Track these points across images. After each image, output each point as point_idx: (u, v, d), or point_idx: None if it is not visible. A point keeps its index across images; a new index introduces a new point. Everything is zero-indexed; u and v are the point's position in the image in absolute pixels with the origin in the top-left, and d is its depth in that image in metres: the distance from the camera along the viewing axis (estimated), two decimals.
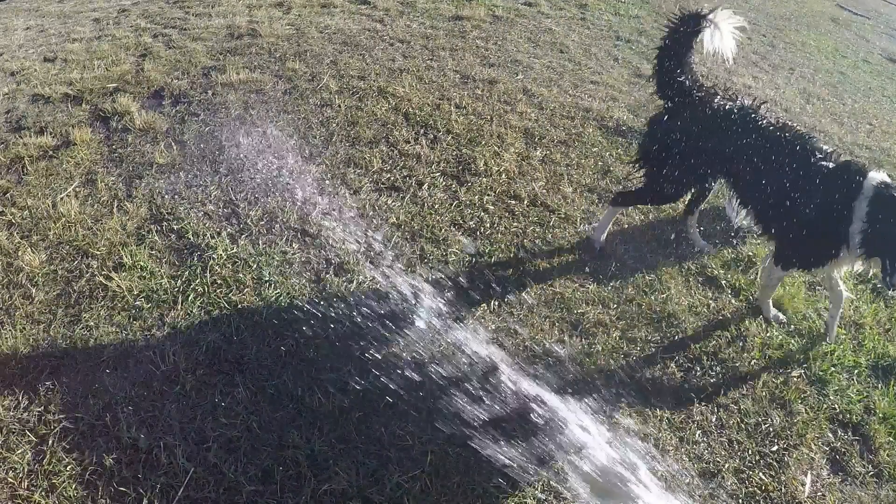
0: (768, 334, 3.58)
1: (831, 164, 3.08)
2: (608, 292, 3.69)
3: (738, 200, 3.53)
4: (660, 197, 3.86)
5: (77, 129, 4.54)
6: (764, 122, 3.32)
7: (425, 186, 4.33)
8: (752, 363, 3.39)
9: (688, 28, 3.44)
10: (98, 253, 3.49)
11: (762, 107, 3.43)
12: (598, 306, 3.58)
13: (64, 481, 2.43)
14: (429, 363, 3.04)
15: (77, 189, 4.00)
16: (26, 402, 2.71)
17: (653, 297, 3.70)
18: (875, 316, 3.86)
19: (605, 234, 4.03)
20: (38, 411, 2.68)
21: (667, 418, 3.02)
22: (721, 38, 3.42)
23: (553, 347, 3.26)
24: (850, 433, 3.12)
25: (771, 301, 3.68)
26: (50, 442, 2.56)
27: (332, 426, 2.72)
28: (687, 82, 3.54)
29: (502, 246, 3.90)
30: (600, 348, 3.32)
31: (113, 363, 2.90)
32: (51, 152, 4.34)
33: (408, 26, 7.15)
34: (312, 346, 3.07)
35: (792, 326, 3.66)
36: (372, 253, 3.69)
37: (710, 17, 3.39)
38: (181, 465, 2.52)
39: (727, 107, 3.40)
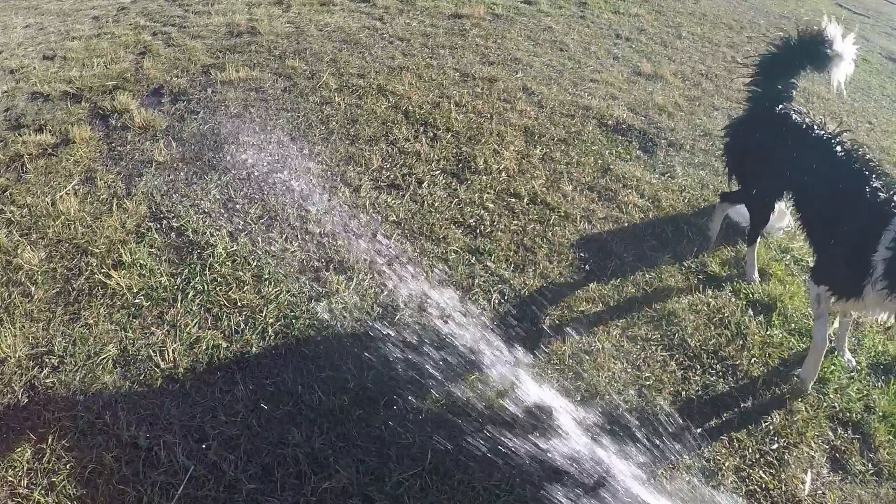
0: (768, 333, 3.58)
1: (882, 195, 2.96)
2: (608, 290, 3.69)
3: (798, 214, 3.50)
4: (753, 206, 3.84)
5: (76, 127, 4.53)
6: (837, 146, 3.25)
7: (425, 184, 4.33)
8: (753, 361, 3.39)
9: (813, 49, 3.45)
10: (97, 251, 3.48)
11: (843, 133, 3.35)
12: (598, 304, 3.58)
13: (63, 479, 2.43)
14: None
15: (76, 187, 3.99)
16: (26, 400, 2.70)
17: (652, 296, 3.70)
18: None
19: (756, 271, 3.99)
20: (38, 409, 2.67)
21: (667, 415, 3.02)
22: (839, 70, 3.44)
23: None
24: (850, 431, 3.12)
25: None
26: (49, 440, 2.55)
27: (333, 424, 2.71)
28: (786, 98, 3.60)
29: (503, 244, 3.90)
30: (600, 346, 3.32)
31: (112, 361, 2.90)
32: (50, 150, 4.33)
33: (407, 24, 7.15)
34: (312, 343, 3.07)
35: (792, 325, 3.66)
36: (372, 250, 3.69)
37: (837, 47, 3.37)
38: (181, 463, 2.51)
39: (808, 126, 3.41)
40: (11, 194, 3.89)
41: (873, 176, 3.04)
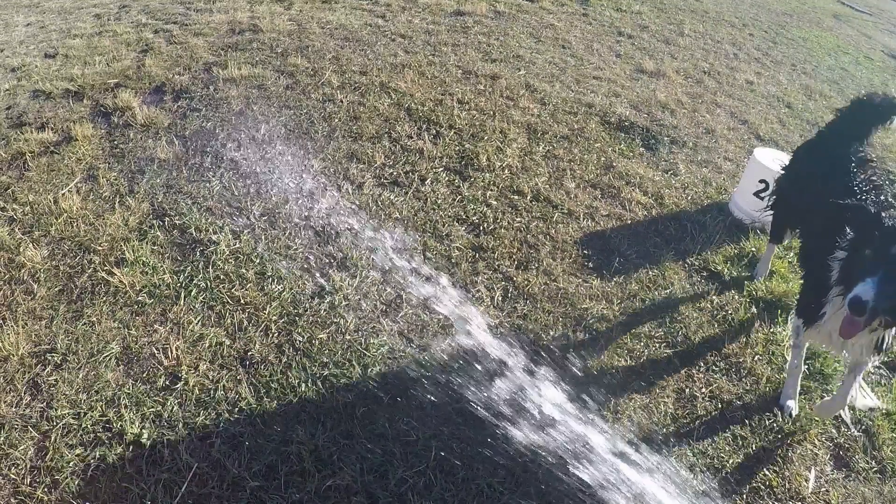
0: (772, 329, 3.57)
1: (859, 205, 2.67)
2: (612, 287, 3.68)
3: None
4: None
5: (78, 125, 4.53)
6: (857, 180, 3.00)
7: (428, 181, 4.32)
8: (756, 359, 3.38)
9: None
10: (100, 248, 3.47)
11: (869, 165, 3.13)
12: (601, 301, 3.57)
13: (66, 477, 2.42)
14: None
15: (78, 185, 3.99)
16: (29, 398, 2.70)
17: (656, 293, 3.69)
18: None
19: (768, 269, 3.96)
20: (41, 407, 2.67)
21: (670, 414, 3.01)
22: None
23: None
24: (853, 429, 3.12)
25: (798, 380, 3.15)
26: (52, 438, 2.55)
27: (337, 422, 2.71)
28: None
29: (506, 241, 3.89)
30: (604, 343, 3.31)
31: (115, 359, 2.89)
32: (52, 148, 4.33)
33: (409, 21, 7.13)
34: (317, 340, 3.07)
35: None
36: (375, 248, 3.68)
37: None
38: (184, 460, 2.51)
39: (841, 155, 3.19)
40: (14, 192, 3.89)
41: (868, 195, 2.83)
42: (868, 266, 2.35)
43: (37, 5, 7.53)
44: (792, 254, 4.25)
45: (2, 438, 2.53)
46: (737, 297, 3.78)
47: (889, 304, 2.31)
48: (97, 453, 2.50)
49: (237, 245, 3.58)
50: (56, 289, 3.24)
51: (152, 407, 2.70)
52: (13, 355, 2.85)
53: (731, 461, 2.85)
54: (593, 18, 8.17)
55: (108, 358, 2.89)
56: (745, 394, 3.18)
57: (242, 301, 3.24)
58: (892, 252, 2.31)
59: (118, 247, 3.49)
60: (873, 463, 2.98)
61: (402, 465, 2.58)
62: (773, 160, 4.34)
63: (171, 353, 2.92)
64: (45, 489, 2.39)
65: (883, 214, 2.47)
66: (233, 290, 3.29)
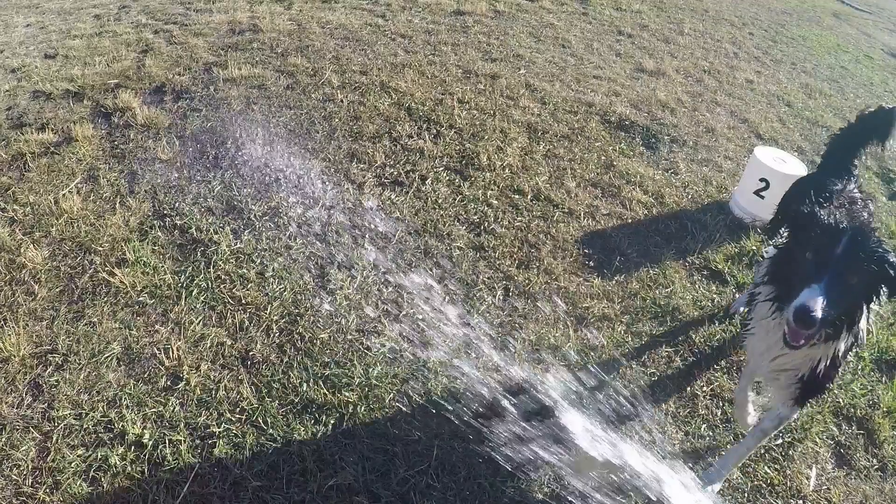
0: None
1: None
2: (613, 286, 3.68)
3: None
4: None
5: (78, 126, 4.52)
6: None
7: (429, 181, 4.32)
8: None
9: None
10: (101, 249, 3.48)
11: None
12: (602, 300, 3.57)
13: (68, 478, 2.43)
14: None
15: (79, 185, 3.99)
16: (30, 399, 2.70)
17: (657, 292, 3.69)
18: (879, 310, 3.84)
19: None
20: (42, 408, 2.67)
21: (671, 413, 3.01)
22: None
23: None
24: (854, 427, 3.12)
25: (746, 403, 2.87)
26: (54, 438, 2.55)
27: (338, 421, 2.71)
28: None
29: (506, 240, 3.89)
30: (605, 342, 3.31)
31: (117, 359, 2.90)
32: (52, 148, 4.32)
33: (409, 21, 7.13)
34: (318, 340, 3.07)
35: None
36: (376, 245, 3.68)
37: None
38: (186, 461, 2.51)
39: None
40: (14, 193, 3.88)
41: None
42: (810, 270, 2.04)
43: (37, 6, 7.52)
44: None
45: (3, 439, 2.53)
46: (737, 295, 3.78)
47: (836, 312, 2.03)
48: (99, 454, 2.51)
49: (238, 245, 3.58)
50: (57, 289, 3.24)
51: (154, 407, 2.70)
52: (14, 356, 2.86)
53: None
54: (593, 18, 8.16)
55: (109, 358, 2.89)
56: None
57: (243, 301, 3.24)
58: (837, 253, 2.01)
59: (119, 247, 3.49)
60: (874, 461, 2.98)
61: (404, 464, 2.59)
62: (773, 159, 4.35)
63: (173, 353, 2.93)
64: (47, 490, 2.39)
65: (818, 211, 2.19)
66: (234, 290, 3.29)
